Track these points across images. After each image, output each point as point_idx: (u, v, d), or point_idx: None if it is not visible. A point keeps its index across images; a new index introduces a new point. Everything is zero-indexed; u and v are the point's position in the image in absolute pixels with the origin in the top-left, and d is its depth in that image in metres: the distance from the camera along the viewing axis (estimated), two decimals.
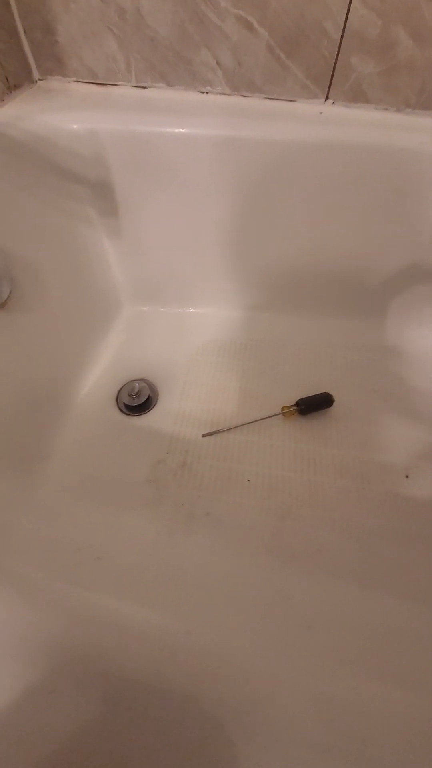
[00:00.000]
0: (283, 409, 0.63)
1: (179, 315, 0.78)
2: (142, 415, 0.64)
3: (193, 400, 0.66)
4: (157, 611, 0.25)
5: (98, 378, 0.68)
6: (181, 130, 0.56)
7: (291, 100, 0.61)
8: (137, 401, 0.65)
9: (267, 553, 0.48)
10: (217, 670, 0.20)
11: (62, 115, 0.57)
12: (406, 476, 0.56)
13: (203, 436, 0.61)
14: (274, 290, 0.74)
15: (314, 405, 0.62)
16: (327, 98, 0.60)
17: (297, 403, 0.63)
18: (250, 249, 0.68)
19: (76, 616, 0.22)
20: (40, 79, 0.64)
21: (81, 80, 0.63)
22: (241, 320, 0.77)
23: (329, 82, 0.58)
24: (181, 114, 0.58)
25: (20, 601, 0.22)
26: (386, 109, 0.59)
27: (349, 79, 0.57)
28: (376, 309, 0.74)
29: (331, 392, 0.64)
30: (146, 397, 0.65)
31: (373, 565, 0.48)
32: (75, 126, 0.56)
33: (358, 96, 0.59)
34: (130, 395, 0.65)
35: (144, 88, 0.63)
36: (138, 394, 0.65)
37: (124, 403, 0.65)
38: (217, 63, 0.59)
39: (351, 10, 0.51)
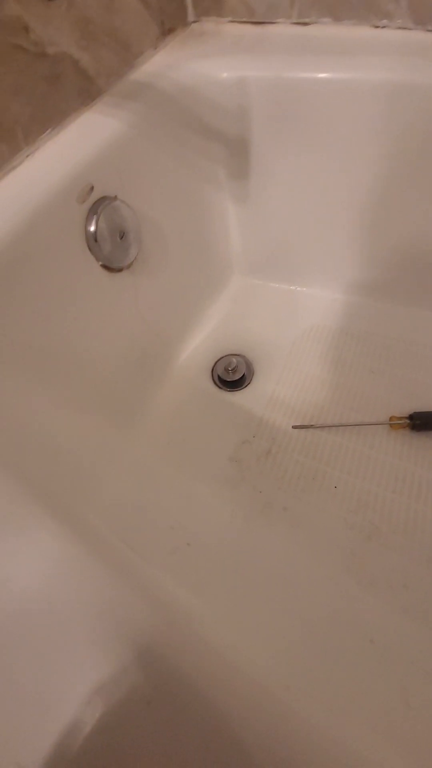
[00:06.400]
0: (391, 419, 0.55)
1: (290, 293, 0.72)
2: (235, 392, 0.63)
3: (290, 386, 0.62)
4: (253, 644, 0.23)
5: (197, 346, 0.68)
6: (341, 74, 0.47)
7: None
8: (232, 377, 0.63)
9: (344, 571, 0.44)
10: (325, 756, 0.17)
11: (211, 62, 0.53)
12: None
13: (294, 427, 0.58)
14: (410, 277, 0.63)
15: None
16: None
17: (411, 416, 0.54)
18: (395, 225, 0.58)
19: (170, 617, 0.21)
20: (193, 21, 0.60)
21: (237, 20, 0.58)
22: (359, 307, 0.68)
23: None
24: (346, 54, 0.48)
25: (115, 579, 0.22)
26: None
27: None
28: None
29: None
30: (242, 374, 0.64)
31: None
32: (224, 74, 0.51)
33: None
34: (227, 369, 0.64)
35: (305, 24, 0.54)
36: (234, 369, 0.64)
37: (219, 376, 0.65)
38: None
39: None
